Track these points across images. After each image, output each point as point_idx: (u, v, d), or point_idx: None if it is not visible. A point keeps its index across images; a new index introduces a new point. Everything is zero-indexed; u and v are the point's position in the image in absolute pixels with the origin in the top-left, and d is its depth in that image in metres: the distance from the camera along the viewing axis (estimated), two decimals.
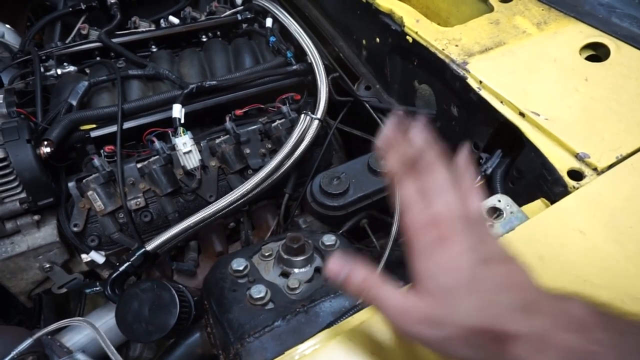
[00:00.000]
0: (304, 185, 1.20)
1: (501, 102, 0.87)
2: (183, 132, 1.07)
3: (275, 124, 1.18)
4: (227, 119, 1.17)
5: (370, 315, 0.64)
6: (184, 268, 1.18)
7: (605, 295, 0.63)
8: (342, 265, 0.47)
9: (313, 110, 1.16)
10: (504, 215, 0.73)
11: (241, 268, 0.81)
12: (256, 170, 1.15)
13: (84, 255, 1.02)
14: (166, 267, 1.18)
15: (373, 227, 1.16)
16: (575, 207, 0.72)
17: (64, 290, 1.04)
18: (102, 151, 1.06)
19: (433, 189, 0.46)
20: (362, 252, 1.16)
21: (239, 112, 1.20)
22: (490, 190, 0.88)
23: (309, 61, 1.26)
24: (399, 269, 0.87)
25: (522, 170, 0.86)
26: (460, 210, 0.46)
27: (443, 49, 0.98)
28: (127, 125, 1.10)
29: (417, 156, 0.47)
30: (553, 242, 0.68)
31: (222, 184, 1.15)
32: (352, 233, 1.14)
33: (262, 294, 0.75)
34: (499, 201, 0.75)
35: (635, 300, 0.63)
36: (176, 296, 0.81)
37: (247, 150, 1.16)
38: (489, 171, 0.91)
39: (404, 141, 0.48)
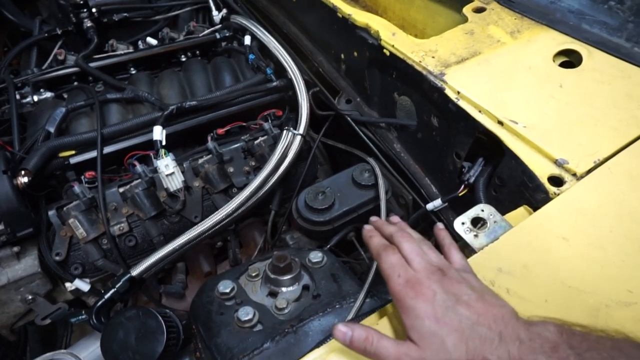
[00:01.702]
0: (290, 200, 1.19)
1: (479, 111, 0.88)
2: (165, 154, 1.06)
3: (258, 141, 1.18)
4: (209, 138, 1.17)
5: None
6: (172, 291, 1.16)
7: (590, 300, 0.64)
8: (346, 329, 0.56)
9: (295, 125, 1.16)
10: (488, 224, 0.73)
11: (228, 290, 0.80)
12: (241, 189, 1.15)
13: (68, 284, 1.00)
14: (153, 290, 1.16)
15: (360, 240, 1.16)
16: (557, 213, 0.73)
17: (48, 321, 1.02)
18: (82, 177, 1.04)
19: (407, 256, 0.59)
20: (350, 265, 1.15)
21: (220, 131, 1.19)
22: (474, 199, 0.89)
23: (289, 77, 1.27)
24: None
25: (503, 178, 0.87)
26: (434, 266, 0.58)
27: (420, 61, 0.99)
28: (108, 149, 1.08)
29: (392, 233, 0.64)
30: (537, 250, 0.69)
31: (207, 204, 1.15)
32: (339, 246, 1.14)
33: (249, 316, 0.74)
34: (482, 211, 0.75)
35: (620, 304, 0.64)
36: (163, 322, 0.79)
37: (231, 169, 1.15)
38: (471, 180, 0.92)
39: (382, 226, 0.67)
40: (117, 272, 1.04)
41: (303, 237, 1.14)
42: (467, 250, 0.74)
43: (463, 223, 0.74)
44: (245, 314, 0.74)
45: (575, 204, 0.74)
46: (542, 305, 0.64)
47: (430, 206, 0.99)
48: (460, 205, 0.99)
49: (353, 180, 1.11)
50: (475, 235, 0.72)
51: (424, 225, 1.09)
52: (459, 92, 0.91)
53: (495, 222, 0.73)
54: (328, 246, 1.08)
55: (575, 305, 0.63)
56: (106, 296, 0.94)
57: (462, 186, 0.93)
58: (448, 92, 0.93)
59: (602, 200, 0.74)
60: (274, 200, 1.20)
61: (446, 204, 0.98)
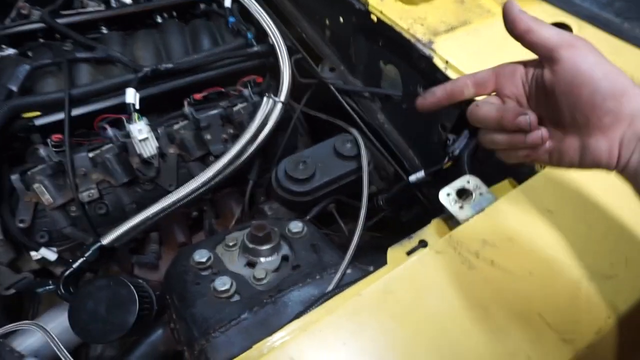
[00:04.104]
0: (268, 171, 1.16)
1: None
2: (138, 118, 1.00)
3: (237, 108, 1.13)
4: (186, 103, 1.11)
5: (339, 303, 0.62)
6: (145, 261, 1.12)
7: (574, 273, 0.64)
8: None
9: (276, 93, 1.12)
10: (473, 196, 0.72)
11: (204, 260, 0.77)
12: (218, 157, 1.11)
13: (33, 253, 0.95)
14: (125, 260, 1.12)
15: (340, 212, 1.14)
16: (543, 186, 0.72)
17: (12, 291, 0.97)
18: (48, 140, 0.98)
19: None
20: (329, 237, 1.14)
21: (198, 96, 1.14)
22: (458, 172, 0.87)
23: (271, 42, 1.21)
24: (368, 253, 0.86)
25: (489, 151, 0.85)
26: None
27: (408, 29, 0.95)
28: (76, 112, 1.02)
29: None
30: (522, 222, 0.68)
31: (182, 172, 1.10)
32: (318, 218, 1.11)
33: (226, 286, 0.71)
34: (468, 182, 0.73)
35: (602, 277, 0.64)
36: (135, 292, 0.76)
37: (208, 136, 1.10)
38: (456, 152, 0.90)
39: None
40: (87, 240, 1.00)
41: (282, 208, 1.11)
42: (451, 221, 0.73)
43: (448, 194, 0.72)
44: (222, 284, 0.71)
45: (560, 177, 0.73)
46: (526, 278, 0.63)
47: (412, 178, 0.98)
48: (444, 179, 0.97)
49: (335, 150, 1.08)
50: (461, 207, 0.71)
51: (405, 198, 1.08)
52: (447, 62, 0.89)
53: (480, 193, 0.72)
54: (308, 217, 1.06)
55: (559, 278, 0.63)
56: (75, 265, 0.90)
57: (447, 158, 0.91)
58: (436, 61, 0.90)
59: (588, 175, 0.73)
60: (252, 170, 1.16)
61: (429, 176, 0.97)
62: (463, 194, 0.73)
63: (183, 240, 1.17)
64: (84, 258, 0.90)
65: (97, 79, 1.11)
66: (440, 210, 1.02)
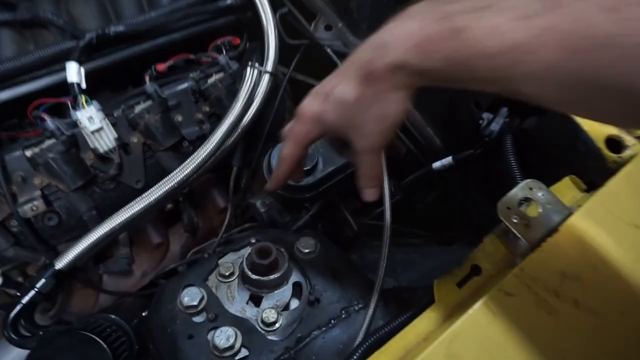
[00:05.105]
0: (253, 150, 0.97)
1: None
2: (86, 102, 0.78)
3: (212, 79, 0.92)
4: (147, 78, 0.88)
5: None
6: (116, 269, 0.94)
7: None
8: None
9: (261, 60, 0.90)
10: (541, 209, 0.56)
11: (195, 303, 0.59)
12: (193, 142, 0.91)
13: None
14: (91, 272, 0.94)
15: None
16: (624, 192, 0.57)
17: None
18: None
19: None
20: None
21: (161, 66, 0.90)
22: (501, 161, 0.70)
23: None
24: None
25: (540, 137, 0.69)
26: None
27: None
28: (1, 96, 0.78)
29: None
30: (606, 244, 0.53)
31: (150, 162, 0.90)
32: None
33: (230, 341, 0.55)
34: (531, 190, 0.57)
35: None
36: (107, 350, 0.59)
37: (179, 118, 0.89)
38: (493, 135, 0.74)
39: None
40: (37, 261, 0.80)
41: (276, 203, 0.92)
42: (509, 239, 0.58)
43: (509, 208, 0.56)
44: (225, 339, 0.55)
45: None
46: (619, 320, 0.50)
47: (437, 165, 0.81)
48: (472, 166, 0.82)
49: None
50: (527, 225, 0.55)
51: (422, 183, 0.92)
52: None
53: (549, 204, 0.56)
54: (310, 213, 0.89)
55: None
56: (24, 300, 0.72)
57: (481, 142, 0.75)
58: None
59: None
60: (236, 154, 0.96)
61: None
62: (522, 203, 0.57)
63: (159, 241, 0.98)
64: (36, 290, 0.72)
65: (25, 49, 0.85)
66: (466, 197, 0.87)
